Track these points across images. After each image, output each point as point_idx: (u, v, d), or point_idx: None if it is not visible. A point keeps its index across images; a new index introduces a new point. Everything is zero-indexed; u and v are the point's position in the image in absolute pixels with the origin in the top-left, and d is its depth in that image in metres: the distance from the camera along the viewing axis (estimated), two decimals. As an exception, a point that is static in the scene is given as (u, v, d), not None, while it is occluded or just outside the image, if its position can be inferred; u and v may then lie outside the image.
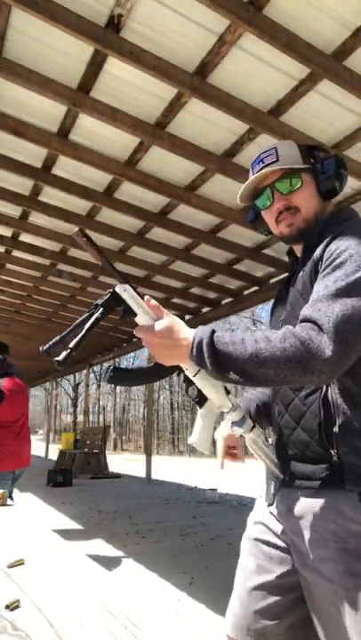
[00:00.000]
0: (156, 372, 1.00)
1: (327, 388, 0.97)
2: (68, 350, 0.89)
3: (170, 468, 16.08)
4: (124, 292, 0.96)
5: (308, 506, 0.98)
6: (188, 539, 4.40)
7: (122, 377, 0.99)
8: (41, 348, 0.92)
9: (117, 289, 0.96)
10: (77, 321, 0.94)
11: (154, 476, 10.14)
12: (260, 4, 2.48)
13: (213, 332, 0.91)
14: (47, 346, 0.91)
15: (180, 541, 4.30)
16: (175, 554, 3.83)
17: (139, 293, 0.97)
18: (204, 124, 3.42)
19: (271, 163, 1.10)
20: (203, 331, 0.92)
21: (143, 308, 0.96)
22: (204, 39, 2.73)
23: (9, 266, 6.76)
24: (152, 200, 4.57)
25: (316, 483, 0.97)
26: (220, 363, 0.88)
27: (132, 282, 0.99)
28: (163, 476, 11.51)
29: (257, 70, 2.90)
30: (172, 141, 3.52)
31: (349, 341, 0.84)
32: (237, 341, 0.88)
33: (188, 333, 0.93)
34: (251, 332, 0.97)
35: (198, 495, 7.87)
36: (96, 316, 0.94)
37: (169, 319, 0.95)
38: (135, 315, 0.96)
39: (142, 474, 10.34)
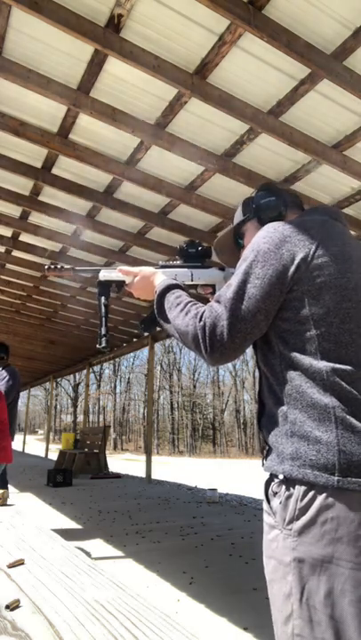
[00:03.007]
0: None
1: (261, 380, 1.10)
2: (105, 335, 1.29)
3: (170, 468, 16.09)
4: (102, 275, 1.34)
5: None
6: (188, 539, 4.39)
7: (149, 325, 1.32)
8: (98, 346, 1.31)
9: (99, 276, 1.34)
10: (101, 314, 1.32)
11: (154, 476, 10.13)
12: (260, 4, 2.48)
13: (167, 289, 1.17)
14: (103, 342, 1.30)
15: (180, 541, 4.30)
16: (175, 554, 3.83)
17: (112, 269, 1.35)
18: (204, 123, 3.42)
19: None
20: (162, 284, 1.21)
21: (120, 275, 1.33)
22: (204, 39, 2.73)
23: (9, 266, 6.77)
24: (152, 200, 4.57)
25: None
26: (157, 311, 1.18)
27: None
28: (163, 476, 11.51)
29: (257, 70, 2.91)
30: (172, 141, 3.52)
31: (222, 339, 0.99)
32: (174, 303, 1.12)
33: (155, 282, 1.26)
34: (193, 302, 1.12)
35: (198, 495, 7.87)
36: (104, 303, 1.32)
37: (140, 274, 1.31)
38: (123, 281, 1.33)
39: (142, 474, 10.34)
